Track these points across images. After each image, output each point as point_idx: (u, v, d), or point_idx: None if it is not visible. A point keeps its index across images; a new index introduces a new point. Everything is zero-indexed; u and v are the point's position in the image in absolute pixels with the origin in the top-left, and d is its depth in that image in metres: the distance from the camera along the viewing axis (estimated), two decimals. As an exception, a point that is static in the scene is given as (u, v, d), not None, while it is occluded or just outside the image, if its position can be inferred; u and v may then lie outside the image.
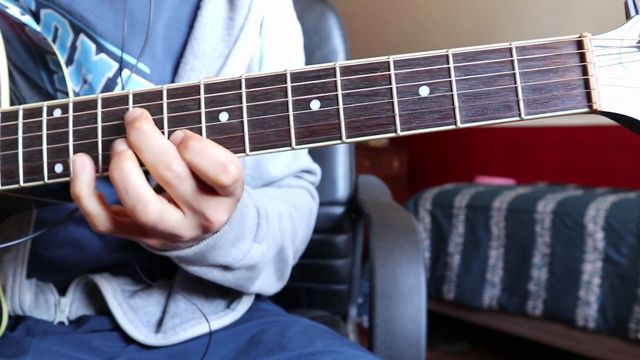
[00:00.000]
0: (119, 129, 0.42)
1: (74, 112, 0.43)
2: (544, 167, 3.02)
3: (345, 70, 0.39)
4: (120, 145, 0.40)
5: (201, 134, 0.41)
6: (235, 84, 0.41)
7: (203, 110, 0.41)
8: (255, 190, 0.66)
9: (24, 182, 0.44)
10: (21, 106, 0.44)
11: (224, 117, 0.41)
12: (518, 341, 2.21)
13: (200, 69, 0.61)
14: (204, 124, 0.41)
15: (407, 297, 0.68)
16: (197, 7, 0.64)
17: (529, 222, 1.95)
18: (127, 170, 0.39)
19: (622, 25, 0.38)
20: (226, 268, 0.56)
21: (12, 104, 0.50)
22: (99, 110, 0.43)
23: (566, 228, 1.85)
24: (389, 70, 0.39)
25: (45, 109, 0.44)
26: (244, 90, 0.40)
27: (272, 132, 0.40)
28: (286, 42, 0.72)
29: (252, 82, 0.40)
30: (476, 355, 2.34)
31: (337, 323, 0.95)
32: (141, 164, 0.41)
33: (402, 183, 3.56)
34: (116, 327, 0.63)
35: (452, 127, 0.38)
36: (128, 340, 0.62)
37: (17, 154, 0.44)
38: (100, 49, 0.59)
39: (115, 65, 0.59)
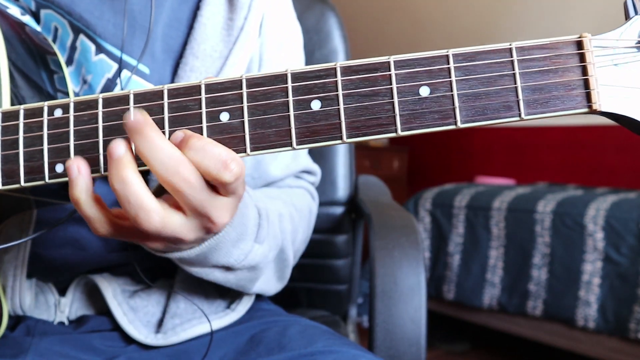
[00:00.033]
0: (119, 129, 0.42)
1: (74, 112, 0.43)
2: (544, 167, 3.02)
3: (346, 71, 0.39)
4: (117, 149, 0.40)
5: (202, 134, 0.41)
6: (236, 84, 0.41)
7: (204, 110, 0.41)
8: (255, 191, 0.66)
9: (25, 182, 0.44)
10: (22, 106, 0.44)
11: (224, 117, 0.41)
12: (518, 341, 2.21)
13: (200, 70, 0.61)
14: (204, 124, 0.41)
15: (407, 297, 0.68)
16: (197, 8, 0.64)
17: (529, 222, 1.95)
18: (127, 180, 0.39)
19: (622, 26, 0.38)
20: (228, 269, 0.56)
21: (12, 104, 0.50)
22: (100, 110, 0.43)
23: (566, 228, 1.85)
24: (390, 71, 0.39)
25: (46, 109, 0.44)
26: (244, 90, 0.41)
27: (273, 132, 0.40)
28: (286, 42, 0.72)
29: (252, 82, 0.41)
30: (476, 355, 2.34)
31: (337, 323, 0.95)
32: (141, 164, 0.41)
33: (402, 183, 3.56)
34: (116, 327, 0.63)
35: (452, 127, 0.38)
36: (128, 340, 0.62)
37: (17, 153, 0.44)
38: (100, 49, 0.59)
39: (115, 66, 0.59)
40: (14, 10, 0.57)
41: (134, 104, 0.42)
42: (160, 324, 0.62)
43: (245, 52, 0.63)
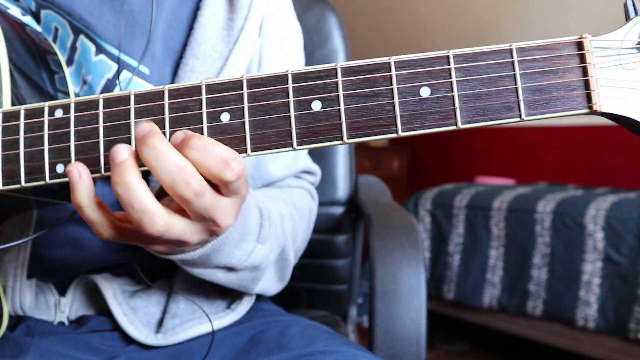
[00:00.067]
0: (120, 129, 0.42)
1: (75, 112, 0.43)
2: (544, 167, 3.03)
3: (347, 71, 0.39)
4: (119, 153, 0.40)
5: (203, 135, 0.41)
6: (236, 84, 0.41)
7: (205, 110, 0.41)
8: (256, 191, 0.66)
9: (25, 182, 0.44)
10: (23, 106, 0.44)
11: (225, 117, 0.41)
12: (518, 341, 2.21)
13: (200, 70, 0.61)
14: (205, 125, 0.41)
15: (407, 297, 0.68)
16: (197, 8, 0.64)
17: (529, 222, 1.95)
18: (130, 185, 0.39)
19: (622, 27, 0.38)
20: (230, 269, 0.56)
21: (13, 104, 0.50)
22: (101, 110, 0.43)
23: (566, 228, 1.85)
24: (390, 71, 0.39)
25: (46, 109, 0.44)
26: (245, 90, 0.41)
27: (274, 133, 0.40)
28: (286, 42, 0.72)
29: (253, 83, 0.41)
30: (476, 355, 2.34)
31: (337, 323, 0.95)
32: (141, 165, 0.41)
33: (402, 183, 3.56)
34: (116, 327, 0.63)
35: (453, 127, 0.38)
36: (128, 340, 0.62)
37: (18, 154, 0.44)
38: (100, 50, 0.59)
39: (115, 66, 0.59)
40: (15, 11, 0.57)
41: (135, 104, 0.42)
42: (160, 324, 0.62)
43: (245, 52, 0.63)
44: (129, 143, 0.42)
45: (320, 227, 0.95)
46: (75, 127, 0.43)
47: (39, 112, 0.44)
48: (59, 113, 0.43)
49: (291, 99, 0.40)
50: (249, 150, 0.40)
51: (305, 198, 0.74)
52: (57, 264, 0.62)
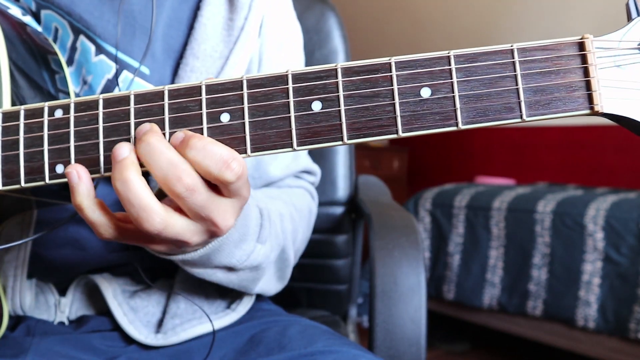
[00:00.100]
0: (120, 129, 0.42)
1: (75, 112, 0.43)
2: (544, 167, 3.03)
3: (347, 72, 0.39)
4: (121, 151, 0.40)
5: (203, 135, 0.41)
6: (236, 85, 0.41)
7: (204, 111, 0.41)
8: (256, 191, 0.66)
9: (25, 182, 0.44)
10: (22, 107, 0.44)
11: (225, 118, 0.41)
12: (518, 341, 2.21)
13: (200, 70, 0.61)
14: (205, 125, 0.41)
15: (407, 297, 0.68)
16: (197, 8, 0.64)
17: (529, 222, 1.95)
18: (129, 181, 0.39)
19: (624, 27, 0.38)
20: (230, 269, 0.56)
21: (13, 104, 0.50)
22: (100, 110, 0.43)
23: (566, 228, 1.85)
24: (391, 72, 0.39)
25: (46, 110, 0.44)
26: (245, 91, 0.40)
27: (274, 133, 0.40)
28: (286, 42, 0.71)
29: (253, 83, 0.40)
30: (476, 355, 2.34)
31: (337, 323, 0.95)
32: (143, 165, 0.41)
33: (402, 183, 3.56)
34: (116, 327, 0.63)
35: (453, 128, 0.38)
36: (128, 340, 0.62)
37: (18, 154, 0.44)
38: (100, 50, 0.59)
39: (115, 67, 0.59)
40: (15, 11, 0.57)
41: (135, 104, 0.42)
42: (160, 324, 0.62)
43: (245, 52, 0.63)
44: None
45: (320, 227, 0.95)
46: (75, 127, 0.43)
47: (39, 113, 0.44)
48: (58, 113, 0.43)
49: (291, 99, 0.40)
50: (248, 150, 0.40)
51: (305, 198, 0.74)
52: (57, 264, 0.62)
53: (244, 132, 0.40)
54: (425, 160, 3.62)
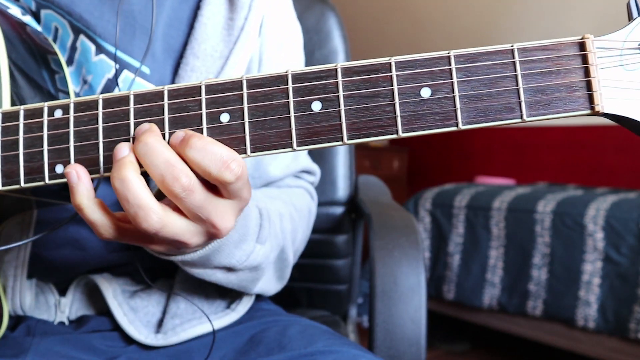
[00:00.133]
0: (119, 130, 0.42)
1: (75, 112, 0.43)
2: (544, 167, 3.03)
3: (347, 72, 0.39)
4: (121, 151, 0.40)
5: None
6: (236, 85, 0.41)
7: (204, 111, 0.41)
8: (255, 191, 0.66)
9: (25, 182, 0.44)
10: (22, 107, 0.44)
11: (225, 118, 0.41)
12: (518, 341, 2.21)
13: (200, 69, 0.61)
14: (205, 125, 0.41)
15: (407, 297, 0.68)
16: (197, 7, 0.64)
17: (529, 222, 1.95)
18: (127, 179, 0.39)
19: (625, 27, 0.38)
20: (229, 270, 0.56)
21: (13, 104, 0.50)
22: (100, 111, 0.43)
23: (566, 228, 1.85)
24: (391, 72, 0.39)
25: (46, 110, 0.44)
26: (245, 91, 0.40)
27: (273, 133, 0.40)
28: (286, 42, 0.71)
29: (253, 83, 0.40)
30: (476, 355, 2.34)
31: (337, 323, 0.95)
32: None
33: (402, 183, 3.56)
34: (116, 328, 0.63)
35: (453, 128, 0.38)
36: (128, 340, 0.62)
37: (18, 154, 0.44)
38: (100, 49, 0.59)
39: (115, 66, 0.59)
40: (15, 11, 0.57)
41: (134, 105, 0.42)
42: (160, 324, 0.62)
43: (245, 52, 0.63)
44: None
45: (320, 227, 0.95)
46: (74, 127, 0.43)
47: (39, 113, 0.44)
48: (58, 113, 0.43)
49: (291, 99, 0.40)
50: (248, 150, 0.40)
51: (305, 198, 0.74)
52: (57, 264, 0.62)
53: (244, 132, 0.40)
54: (425, 160, 3.62)
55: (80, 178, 0.41)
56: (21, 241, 0.54)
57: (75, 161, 0.43)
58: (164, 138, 0.41)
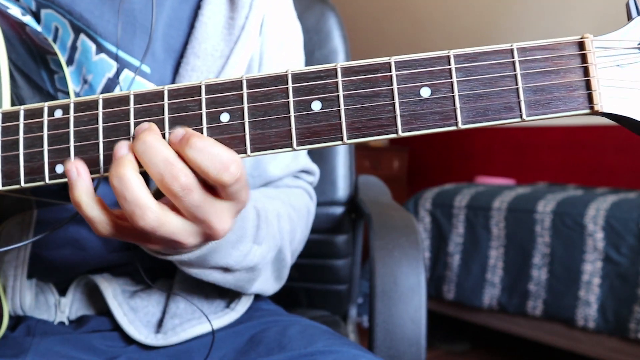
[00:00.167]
0: (119, 129, 0.42)
1: (75, 112, 0.43)
2: (544, 167, 3.03)
3: (347, 71, 0.39)
4: (120, 149, 0.40)
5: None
6: (236, 84, 0.41)
7: (204, 111, 0.41)
8: (254, 191, 0.66)
9: (25, 182, 0.44)
10: (22, 107, 0.44)
11: (225, 117, 0.41)
12: (518, 341, 2.21)
13: (201, 69, 0.61)
14: (205, 125, 0.41)
15: (407, 297, 0.68)
16: (198, 7, 0.64)
17: (529, 222, 1.95)
18: (124, 177, 0.39)
19: (624, 27, 0.38)
20: (226, 270, 0.56)
21: (12, 104, 0.50)
22: (100, 110, 0.43)
23: (566, 228, 1.85)
24: (391, 71, 0.39)
25: (46, 110, 0.44)
26: (245, 91, 0.40)
27: (273, 133, 0.40)
28: (287, 41, 0.71)
29: (253, 83, 0.40)
30: (476, 355, 2.34)
31: (337, 323, 0.95)
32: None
33: (402, 183, 3.56)
34: (116, 328, 0.63)
35: (453, 128, 0.38)
36: (128, 340, 0.62)
37: (18, 154, 0.44)
38: (100, 49, 0.59)
39: (116, 65, 0.59)
40: (15, 11, 0.57)
41: (134, 104, 0.42)
42: (160, 324, 0.62)
43: (246, 51, 0.63)
44: None
45: (320, 227, 0.95)
46: (74, 127, 0.43)
47: (39, 113, 0.44)
48: (58, 113, 0.43)
49: (291, 99, 0.40)
50: (248, 150, 0.40)
51: (304, 198, 0.74)
52: (57, 264, 0.62)
53: (244, 132, 0.40)
54: (425, 160, 3.62)
55: (80, 174, 0.41)
56: (21, 242, 0.54)
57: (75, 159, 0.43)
58: (164, 138, 0.41)
